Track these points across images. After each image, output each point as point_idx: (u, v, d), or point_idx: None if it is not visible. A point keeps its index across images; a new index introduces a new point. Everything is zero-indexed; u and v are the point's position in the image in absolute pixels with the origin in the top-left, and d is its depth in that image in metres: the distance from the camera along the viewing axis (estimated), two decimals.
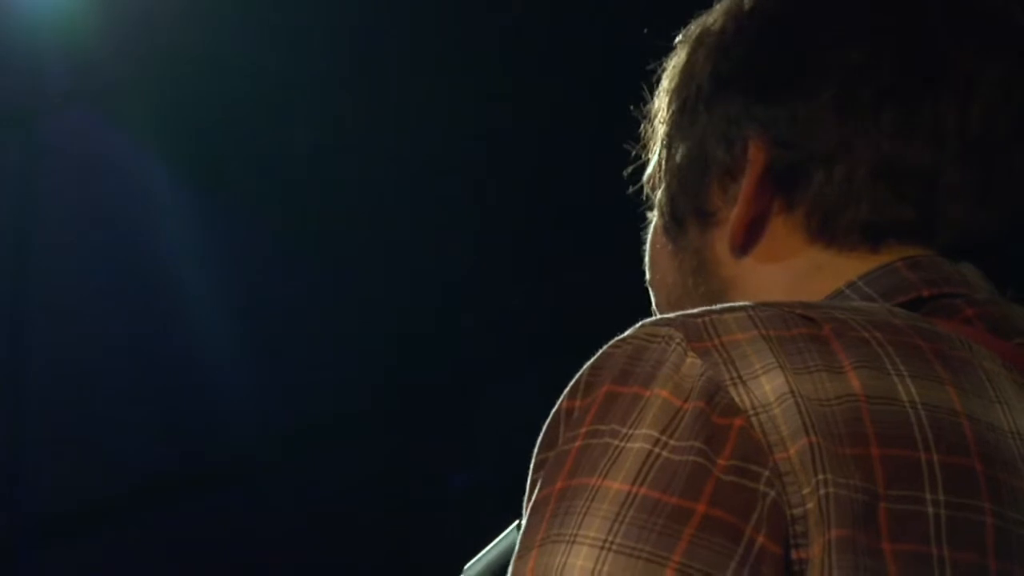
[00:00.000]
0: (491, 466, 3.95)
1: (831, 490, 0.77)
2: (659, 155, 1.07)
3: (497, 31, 3.52)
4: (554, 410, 0.85)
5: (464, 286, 3.88)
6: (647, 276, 1.11)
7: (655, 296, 1.11)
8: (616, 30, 3.44)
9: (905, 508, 0.78)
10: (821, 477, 0.78)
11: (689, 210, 1.03)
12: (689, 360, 0.81)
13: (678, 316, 0.85)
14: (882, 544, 0.77)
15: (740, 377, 0.80)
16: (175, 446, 4.01)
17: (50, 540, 4.12)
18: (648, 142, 1.10)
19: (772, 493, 0.77)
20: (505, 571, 1.36)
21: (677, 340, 0.82)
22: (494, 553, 1.37)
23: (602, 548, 0.77)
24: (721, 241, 1.01)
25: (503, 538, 1.38)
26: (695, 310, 0.86)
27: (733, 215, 1.00)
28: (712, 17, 1.04)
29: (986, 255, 0.98)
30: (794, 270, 0.98)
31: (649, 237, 1.10)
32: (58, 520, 4.09)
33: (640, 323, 0.86)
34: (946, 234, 0.96)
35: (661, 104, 1.07)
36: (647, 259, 1.11)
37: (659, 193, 1.07)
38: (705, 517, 0.77)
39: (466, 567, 1.38)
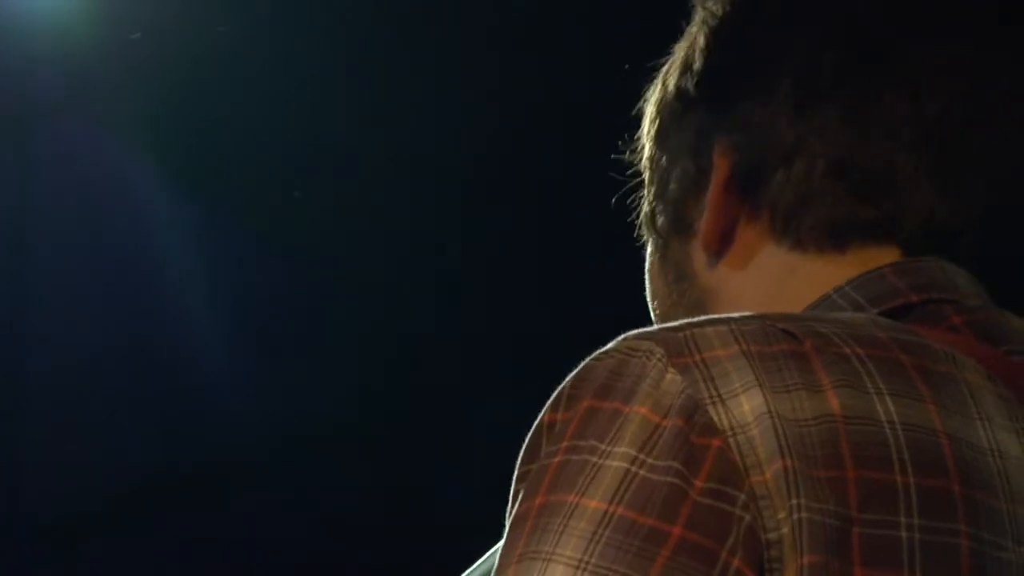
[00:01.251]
0: (487, 476, 3.94)
1: (804, 515, 0.77)
2: (647, 178, 1.09)
3: (497, 31, 3.51)
4: (537, 422, 0.85)
5: (465, 294, 3.88)
6: (648, 294, 1.12)
7: (651, 309, 1.11)
8: (615, 31, 3.44)
9: (878, 533, 0.77)
10: (795, 501, 0.77)
11: (669, 224, 1.05)
12: (669, 376, 0.81)
13: (660, 329, 0.84)
14: (855, 570, 0.77)
15: (720, 396, 0.80)
16: (173, 450, 4.01)
17: (50, 543, 4.11)
18: (639, 168, 1.12)
19: (748, 517, 0.77)
20: None
21: (658, 355, 0.82)
22: (490, 562, 1.37)
23: (577, 568, 0.76)
24: (698, 251, 1.02)
25: (499, 548, 1.38)
26: (677, 323, 0.85)
27: (703, 223, 1.00)
28: (680, 44, 1.06)
29: (955, 248, 0.96)
30: (767, 275, 0.98)
31: (648, 259, 1.11)
32: (57, 523, 4.09)
33: (623, 336, 0.85)
34: (910, 228, 0.95)
35: (644, 129, 1.09)
36: (647, 281, 1.12)
37: (644, 211, 1.08)
38: (681, 540, 0.76)
39: (463, 575, 1.39)
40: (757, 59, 0.99)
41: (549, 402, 0.85)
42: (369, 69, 3.61)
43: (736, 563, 0.76)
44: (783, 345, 0.82)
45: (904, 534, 0.78)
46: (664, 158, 1.05)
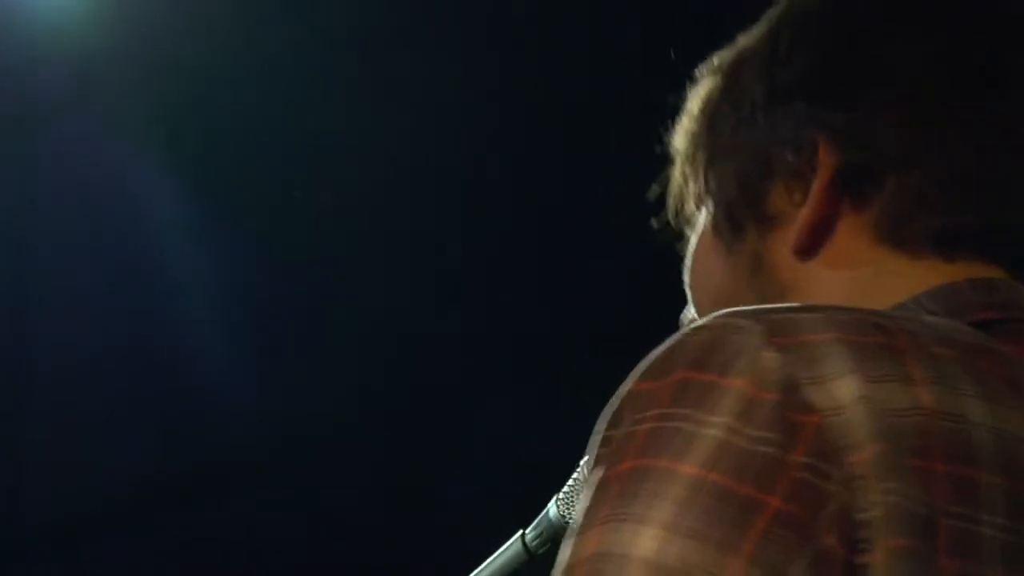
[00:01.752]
0: (490, 477, 3.94)
1: (897, 499, 0.77)
2: (705, 172, 1.07)
3: (497, 30, 3.52)
4: (621, 390, 0.84)
5: (464, 294, 3.88)
6: (687, 279, 1.12)
7: (696, 299, 1.11)
8: (617, 30, 3.44)
9: (964, 527, 0.78)
10: (888, 485, 0.77)
11: (748, 215, 1.04)
12: (768, 355, 0.81)
13: (756, 310, 0.85)
14: (940, 558, 0.77)
15: (817, 377, 0.80)
16: (173, 450, 4.01)
17: (52, 545, 4.11)
18: (680, 161, 1.11)
19: (843, 495, 0.77)
20: None
21: (757, 333, 0.82)
22: (498, 562, 1.38)
23: (671, 530, 0.76)
24: (783, 244, 1.02)
25: (507, 548, 1.39)
26: (773, 306, 0.86)
27: (801, 216, 1.00)
28: (752, 39, 1.06)
29: None
30: (857, 274, 0.98)
31: (694, 244, 1.10)
32: (58, 523, 4.09)
33: (717, 312, 0.85)
34: (1016, 243, 0.97)
35: (697, 126, 1.08)
36: (690, 263, 1.11)
37: (709, 204, 1.07)
38: (777, 511, 0.76)
39: None
40: (873, 60, 1.00)
41: (636, 372, 0.84)
42: (370, 69, 3.61)
43: (829, 539, 0.76)
44: (877, 337, 0.83)
45: (987, 531, 0.78)
46: (744, 149, 1.04)
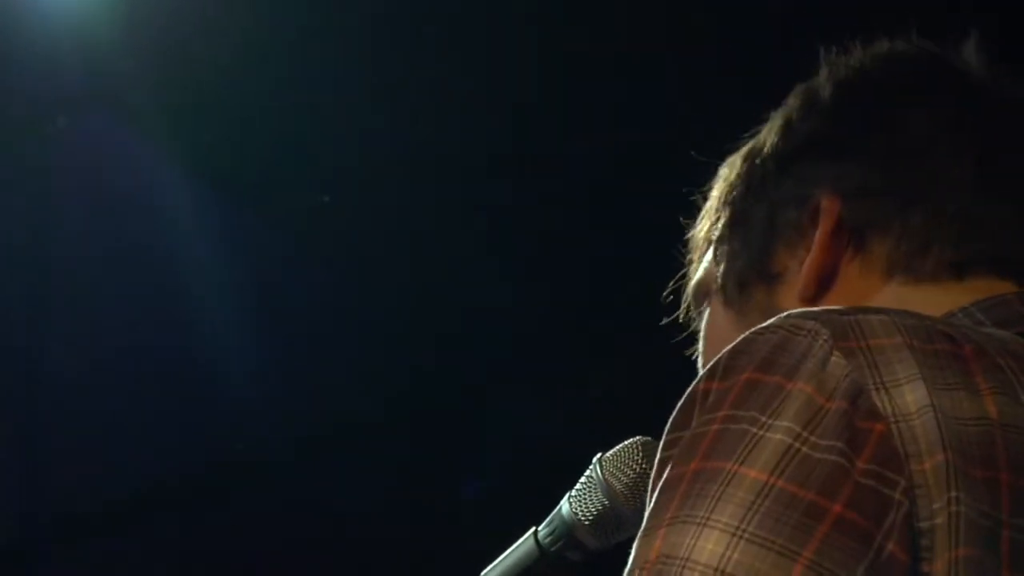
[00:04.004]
0: (503, 475, 3.95)
1: (962, 509, 0.77)
2: (717, 254, 1.12)
3: (525, 32, 3.51)
4: (689, 391, 0.85)
5: (478, 296, 3.88)
6: (701, 359, 1.16)
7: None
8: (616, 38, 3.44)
9: None
10: (953, 495, 0.78)
11: (755, 277, 1.08)
12: (834, 359, 0.82)
13: (824, 311, 0.86)
14: (1003, 572, 0.77)
15: (884, 383, 0.81)
16: (190, 449, 4.02)
17: (67, 542, 4.12)
18: (691, 263, 1.17)
19: (906, 503, 0.78)
20: None
21: (824, 337, 0.83)
22: (510, 560, 1.38)
23: (734, 535, 0.77)
24: (789, 296, 1.05)
25: (519, 545, 1.39)
26: (840, 307, 0.87)
27: (807, 263, 1.04)
28: (766, 127, 1.12)
29: None
30: (877, 302, 1.00)
31: (706, 323, 1.15)
32: (74, 521, 4.10)
33: (785, 314, 0.86)
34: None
35: (713, 215, 1.13)
36: (703, 341, 1.15)
37: (720, 279, 1.11)
38: (840, 517, 0.77)
39: (482, 573, 1.40)
40: (879, 115, 1.05)
41: (703, 372, 0.85)
42: (391, 61, 3.61)
43: (890, 547, 0.77)
44: (944, 345, 0.84)
45: None
46: (752, 217, 1.09)
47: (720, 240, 1.11)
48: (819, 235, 1.03)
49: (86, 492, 4.03)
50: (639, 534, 0.81)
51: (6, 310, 3.89)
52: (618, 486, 1.33)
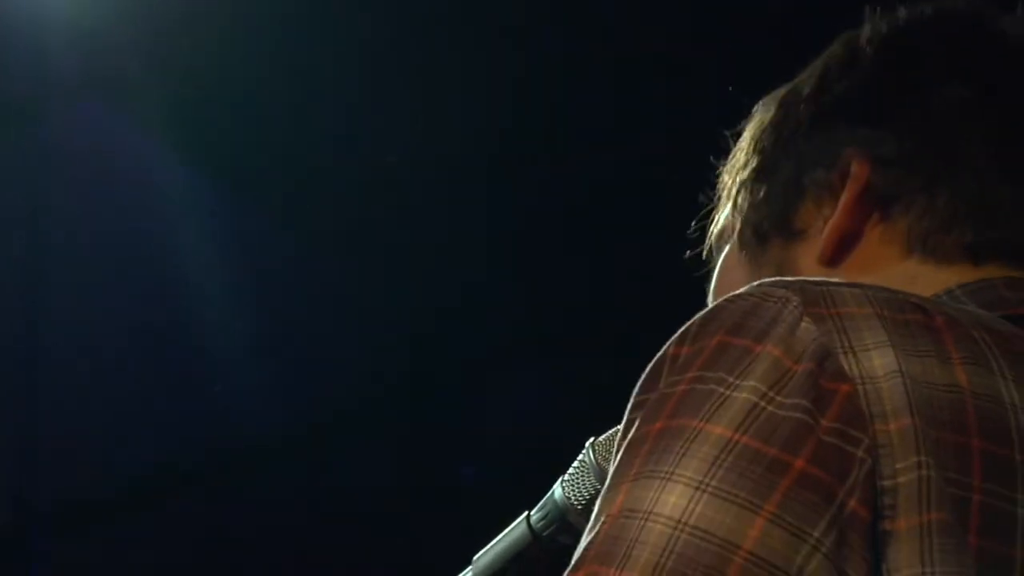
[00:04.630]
0: (500, 458, 3.95)
1: (931, 473, 0.78)
2: (741, 195, 1.12)
3: (527, 29, 3.51)
4: (658, 355, 0.86)
5: (474, 280, 3.88)
6: (710, 296, 1.15)
7: None
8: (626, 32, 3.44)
9: (997, 504, 0.79)
10: (922, 459, 0.79)
11: (774, 229, 1.08)
12: (804, 324, 0.83)
13: (796, 280, 0.87)
14: (969, 537, 0.78)
15: (852, 347, 0.82)
16: (187, 439, 4.02)
17: (64, 533, 4.13)
18: (721, 199, 1.16)
19: (869, 461, 0.79)
20: (513, 562, 1.37)
21: (794, 303, 0.84)
22: (502, 544, 1.38)
23: (697, 488, 0.78)
24: (807, 254, 1.05)
25: (512, 529, 1.40)
26: (812, 278, 0.88)
27: (829, 225, 1.04)
28: (805, 74, 1.11)
29: None
30: (886, 278, 0.99)
31: (720, 264, 1.15)
32: (72, 513, 4.10)
33: (757, 282, 0.87)
34: None
35: (742, 157, 1.13)
36: (715, 283, 1.15)
37: (739, 224, 1.11)
38: (802, 473, 0.78)
39: (475, 557, 1.40)
40: (917, 85, 1.04)
41: (674, 337, 0.86)
42: (393, 62, 3.61)
43: (852, 503, 0.78)
44: (915, 315, 0.85)
45: (1021, 511, 0.80)
46: (783, 167, 1.08)
47: (745, 185, 1.11)
48: (845, 198, 1.03)
49: (85, 481, 4.03)
50: (602, 491, 0.82)
51: (3, 298, 3.89)
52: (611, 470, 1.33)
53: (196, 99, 3.64)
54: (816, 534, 0.77)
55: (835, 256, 1.03)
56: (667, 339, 0.87)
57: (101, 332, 3.93)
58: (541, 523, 1.36)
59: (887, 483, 0.78)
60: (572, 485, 1.35)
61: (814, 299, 0.84)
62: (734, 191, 1.13)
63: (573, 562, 0.80)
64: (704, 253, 1.19)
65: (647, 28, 3.39)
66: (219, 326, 3.94)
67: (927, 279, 0.99)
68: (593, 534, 0.80)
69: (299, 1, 3.48)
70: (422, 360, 4.05)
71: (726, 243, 1.15)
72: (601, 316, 3.77)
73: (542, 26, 3.52)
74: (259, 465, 4.14)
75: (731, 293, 0.87)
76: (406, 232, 3.88)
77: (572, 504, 1.34)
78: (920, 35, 1.07)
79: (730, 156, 1.15)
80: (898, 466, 0.78)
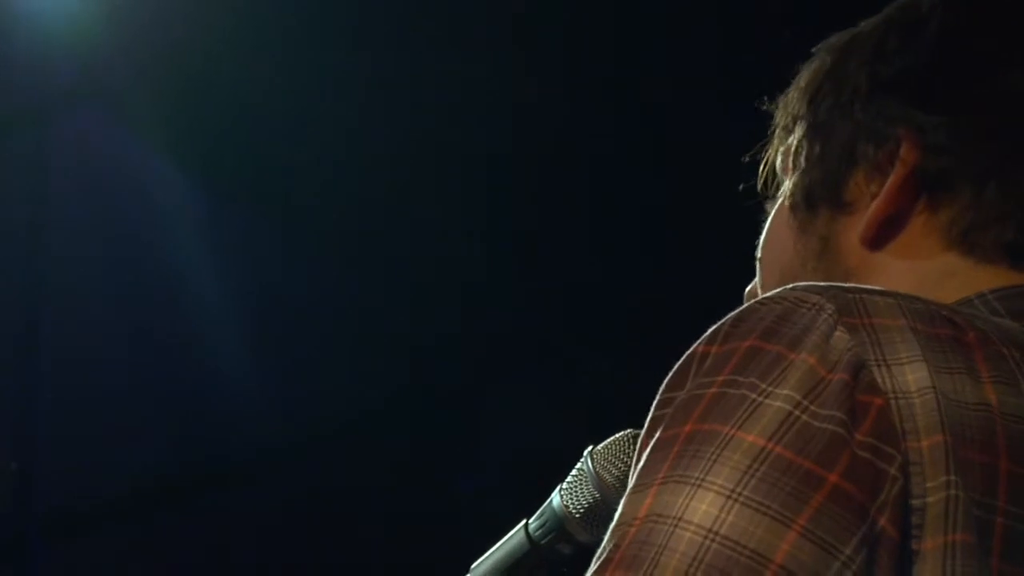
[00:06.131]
0: (497, 469, 3.95)
1: (960, 493, 0.77)
2: (796, 146, 1.09)
3: (525, 34, 3.51)
4: (687, 352, 0.84)
5: (471, 290, 3.88)
6: (759, 253, 1.13)
7: (764, 273, 1.12)
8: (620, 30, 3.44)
9: (1019, 529, 0.78)
10: (951, 478, 0.77)
11: (824, 197, 1.05)
12: (838, 333, 0.81)
13: (829, 287, 0.85)
14: (992, 560, 0.77)
15: (885, 360, 0.80)
16: (183, 447, 4.01)
17: (63, 538, 4.12)
18: (779, 132, 1.12)
19: (901, 479, 0.77)
20: (511, 570, 1.37)
21: (828, 311, 0.82)
22: (500, 552, 1.38)
23: (729, 497, 0.76)
24: (852, 231, 1.03)
25: (509, 538, 1.39)
26: (846, 284, 0.86)
27: (873, 206, 1.02)
28: (867, 29, 1.07)
29: None
30: (924, 271, 0.99)
31: (771, 218, 1.12)
32: (71, 518, 4.09)
33: (791, 286, 0.86)
34: None
35: (800, 101, 1.09)
36: (764, 237, 1.13)
37: (792, 178, 1.09)
38: (836, 488, 0.76)
39: (472, 566, 1.40)
40: (975, 71, 1.01)
41: (704, 336, 0.84)
42: (387, 69, 3.61)
43: (882, 522, 0.77)
44: (947, 330, 0.83)
45: None
46: (835, 131, 1.06)
47: (799, 144, 1.09)
48: (891, 182, 1.01)
49: (83, 489, 4.03)
50: (627, 491, 0.80)
51: (3, 307, 3.89)
52: (609, 479, 1.33)
53: (195, 110, 3.64)
54: (847, 551, 0.75)
55: (877, 239, 1.02)
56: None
57: (100, 343, 3.92)
58: (539, 531, 1.36)
59: (916, 503, 0.77)
60: (570, 494, 1.35)
61: (848, 307, 0.83)
62: (787, 136, 1.11)
63: (596, 564, 0.78)
64: (759, 185, 1.17)
65: (648, 31, 3.39)
66: (217, 336, 3.93)
67: (964, 277, 0.97)
68: (618, 537, 0.78)
69: (298, 13, 3.48)
70: (419, 370, 4.05)
71: (779, 189, 1.12)
72: (602, 328, 3.77)
73: (541, 34, 3.51)
74: (255, 477, 4.13)
75: (763, 295, 0.85)
76: (406, 243, 3.87)
77: (570, 513, 1.34)
78: (988, 13, 1.04)
79: (785, 94, 1.12)
80: (928, 485, 0.77)
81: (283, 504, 4.07)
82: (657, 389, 0.87)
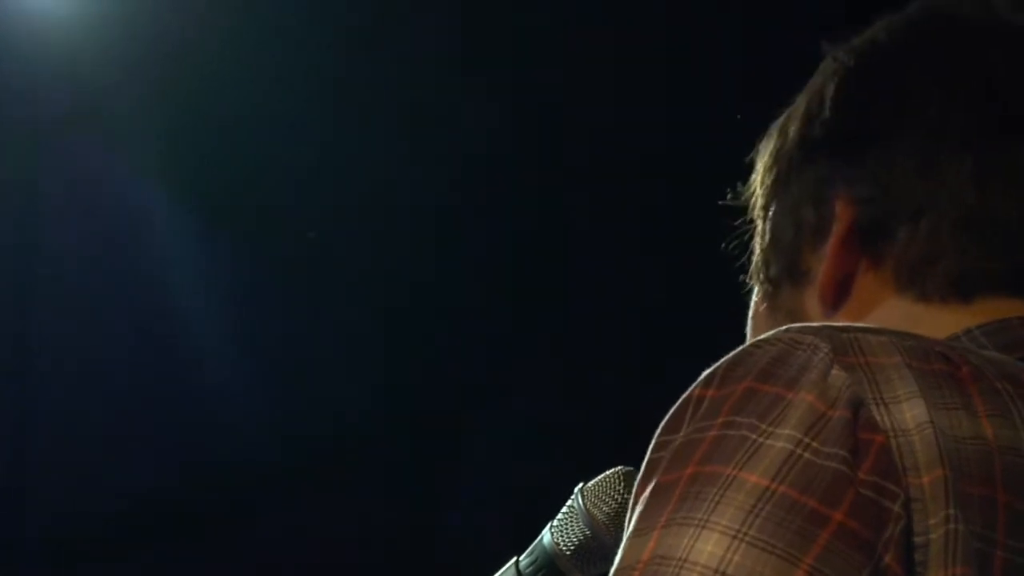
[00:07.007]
0: (486, 504, 3.94)
1: (960, 527, 0.77)
2: (759, 227, 1.10)
3: (512, 47, 3.52)
4: (683, 396, 0.84)
5: (460, 313, 3.88)
6: (747, 338, 1.13)
7: None
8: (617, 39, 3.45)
9: (1017, 562, 0.78)
10: (952, 512, 0.77)
11: (783, 271, 1.06)
12: (835, 372, 0.81)
13: (823, 327, 0.85)
14: None
15: (883, 398, 0.80)
16: (177, 470, 4.01)
17: (55, 564, 4.11)
18: (750, 220, 1.13)
19: (904, 517, 0.77)
20: None
21: (824, 351, 0.82)
22: None
23: (734, 537, 0.76)
24: (812, 299, 1.04)
25: (501, 574, 1.38)
26: (839, 324, 0.86)
27: (821, 270, 1.02)
28: (796, 104, 1.08)
29: None
30: (887, 322, 0.97)
31: (752, 303, 1.13)
32: (64, 544, 4.08)
33: (784, 327, 0.85)
34: None
35: (757, 182, 1.11)
36: (749, 320, 1.13)
37: (756, 260, 1.10)
38: (841, 526, 0.76)
39: None
40: (885, 113, 1.01)
41: (699, 380, 0.84)
42: (378, 92, 3.62)
43: (887, 559, 0.76)
44: (941, 366, 0.83)
45: None
46: (781, 206, 1.07)
47: (755, 223, 1.10)
48: (831, 243, 1.01)
49: (78, 514, 4.02)
50: (627, 536, 0.79)
51: None
52: (600, 516, 1.32)
53: (187, 134, 3.65)
54: None
55: (835, 300, 1.02)
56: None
57: (91, 368, 3.92)
58: (530, 569, 1.35)
59: (919, 539, 0.77)
60: (561, 531, 1.34)
61: (843, 347, 0.83)
62: (752, 228, 1.12)
63: None
64: (749, 279, 1.17)
65: (648, 34, 3.39)
66: (206, 357, 3.93)
67: (929, 322, 0.96)
68: None
69: (285, 38, 3.49)
70: (408, 398, 4.04)
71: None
72: (589, 352, 3.77)
73: (540, 45, 3.52)
74: (242, 507, 4.12)
75: (757, 338, 0.85)
76: (395, 264, 3.87)
77: (561, 550, 1.34)
78: (894, 50, 1.04)
79: (750, 180, 1.13)
80: (931, 522, 0.77)
81: (269, 534, 4.05)
82: (648, 425, 0.86)
